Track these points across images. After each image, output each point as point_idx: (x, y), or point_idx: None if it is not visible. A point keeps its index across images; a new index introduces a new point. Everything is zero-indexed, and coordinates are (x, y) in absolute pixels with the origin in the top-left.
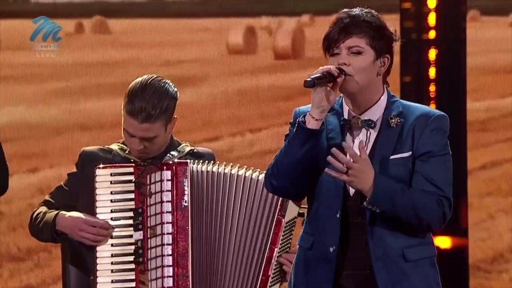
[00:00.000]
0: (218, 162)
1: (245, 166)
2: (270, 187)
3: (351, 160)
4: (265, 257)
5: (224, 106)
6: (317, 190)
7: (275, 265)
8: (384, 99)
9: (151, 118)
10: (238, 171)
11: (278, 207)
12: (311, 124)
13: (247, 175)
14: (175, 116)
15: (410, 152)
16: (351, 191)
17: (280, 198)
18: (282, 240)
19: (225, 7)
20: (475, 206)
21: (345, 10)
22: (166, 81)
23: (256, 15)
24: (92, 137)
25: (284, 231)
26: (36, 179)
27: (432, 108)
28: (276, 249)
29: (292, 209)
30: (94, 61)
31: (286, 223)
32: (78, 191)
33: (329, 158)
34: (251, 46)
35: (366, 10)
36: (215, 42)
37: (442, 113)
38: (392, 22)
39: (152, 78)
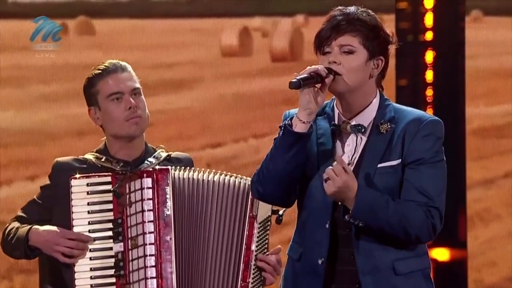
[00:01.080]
0: (197, 168)
1: (224, 172)
2: (256, 193)
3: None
4: (242, 262)
5: (222, 111)
6: (306, 198)
7: (254, 269)
8: (376, 102)
9: (127, 68)
10: (219, 177)
11: (248, 206)
12: (298, 127)
13: (225, 181)
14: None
15: (399, 160)
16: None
17: (250, 198)
18: (258, 241)
19: (212, 7)
20: (503, 215)
21: (339, 7)
22: None
23: (245, 15)
24: (88, 142)
25: (258, 232)
26: (36, 187)
27: (428, 113)
28: (252, 253)
29: (264, 208)
30: (81, 63)
31: (260, 223)
32: (52, 204)
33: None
34: (246, 48)
35: (362, 9)
36: (207, 44)
37: (436, 118)
38: (388, 23)
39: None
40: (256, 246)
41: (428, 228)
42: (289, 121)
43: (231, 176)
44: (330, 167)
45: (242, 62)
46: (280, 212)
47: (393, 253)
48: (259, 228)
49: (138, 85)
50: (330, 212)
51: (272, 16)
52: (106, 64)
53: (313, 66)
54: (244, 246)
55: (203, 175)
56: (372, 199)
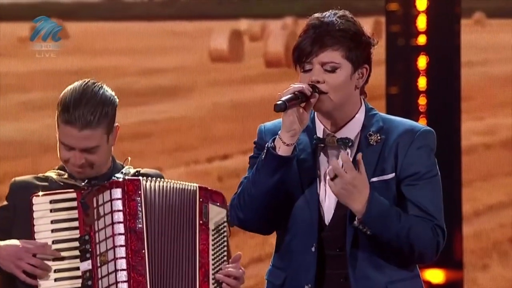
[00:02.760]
0: (169, 180)
1: (180, 181)
2: (236, 220)
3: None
4: (198, 274)
5: (220, 120)
6: (289, 220)
7: (214, 283)
8: (361, 113)
9: (91, 124)
10: (178, 186)
11: (197, 212)
12: (282, 150)
13: (178, 189)
14: (117, 124)
15: (393, 174)
16: (327, 219)
17: (197, 202)
18: (214, 250)
19: (191, 9)
20: None
21: (316, 15)
22: (102, 85)
23: (228, 17)
24: None
25: (213, 239)
26: None
27: (419, 123)
28: (210, 266)
29: (216, 213)
30: (59, 69)
31: (213, 230)
32: (10, 226)
33: (332, 159)
34: (236, 53)
35: (340, 13)
36: (193, 48)
37: (428, 128)
38: (378, 26)
39: (86, 82)
40: (213, 256)
41: (433, 246)
42: (272, 144)
43: (180, 184)
44: (339, 161)
45: (234, 68)
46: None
47: (388, 274)
48: (213, 235)
49: (96, 143)
50: (316, 233)
51: (258, 19)
52: (70, 110)
53: (296, 85)
54: (197, 256)
55: (172, 185)
56: (385, 207)
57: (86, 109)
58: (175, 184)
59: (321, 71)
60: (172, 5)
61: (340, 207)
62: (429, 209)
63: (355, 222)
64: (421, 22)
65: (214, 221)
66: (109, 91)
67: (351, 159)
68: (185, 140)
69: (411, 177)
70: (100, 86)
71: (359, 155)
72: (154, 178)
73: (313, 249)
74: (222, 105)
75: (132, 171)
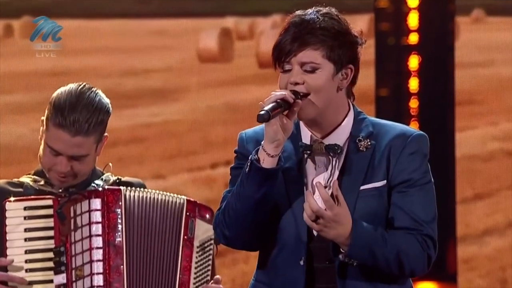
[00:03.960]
0: (151, 190)
1: (166, 193)
2: (223, 238)
3: (323, 207)
4: None
5: (218, 123)
6: (276, 233)
7: None
8: (350, 118)
9: (85, 131)
10: (162, 197)
11: (182, 227)
12: (267, 162)
13: (163, 200)
14: (106, 134)
15: (385, 181)
16: (315, 231)
17: (184, 216)
18: (197, 269)
19: (171, 6)
20: None
21: (298, 12)
22: (98, 91)
23: (212, 15)
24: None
25: (197, 257)
26: None
27: (411, 127)
28: (190, 284)
29: (203, 229)
30: (39, 70)
31: (198, 246)
32: None
33: (306, 194)
34: (226, 52)
35: (324, 11)
36: (181, 47)
37: (421, 132)
38: (366, 24)
39: (82, 87)
40: (195, 274)
41: (424, 260)
42: (256, 156)
43: (166, 195)
44: (316, 196)
45: (224, 68)
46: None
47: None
48: (197, 252)
49: (86, 151)
50: (305, 246)
51: (245, 16)
52: (64, 113)
53: (278, 92)
54: (178, 274)
55: (155, 196)
56: (368, 235)
57: (82, 115)
58: (159, 196)
59: (300, 72)
60: (156, 2)
61: None
62: (420, 217)
63: (341, 256)
64: (413, 20)
65: (200, 238)
66: (105, 99)
67: (339, 168)
68: (185, 145)
69: (402, 184)
70: (96, 92)
71: (335, 182)
72: (137, 188)
73: (301, 262)
74: (217, 107)
75: (112, 178)
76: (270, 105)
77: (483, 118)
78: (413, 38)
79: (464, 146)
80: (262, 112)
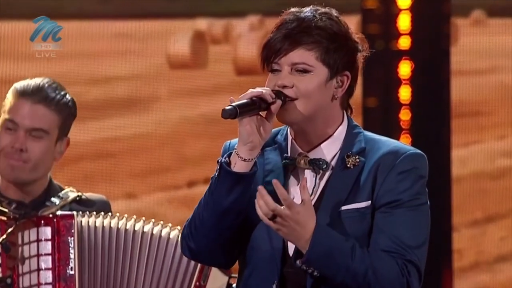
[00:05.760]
0: (117, 214)
1: (153, 220)
2: (188, 252)
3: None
4: None
5: (193, 136)
6: (249, 250)
7: None
8: (342, 131)
9: (48, 101)
10: (143, 226)
11: (196, 274)
12: (238, 166)
13: (154, 231)
14: (68, 136)
15: (369, 202)
16: (291, 251)
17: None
18: None
19: (144, 7)
20: None
21: (293, 9)
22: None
23: (183, 16)
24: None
25: None
26: None
27: (408, 145)
28: None
29: (217, 278)
30: None
31: None
32: None
33: (259, 190)
34: (200, 58)
35: (322, 10)
36: (150, 52)
37: (417, 151)
38: (352, 26)
39: (49, 79)
40: None
41: (401, 287)
42: (226, 159)
43: (172, 229)
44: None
45: (198, 75)
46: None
47: None
48: None
49: (46, 126)
50: (279, 268)
51: (219, 17)
52: (33, 86)
53: (256, 89)
54: None
55: (124, 222)
56: (332, 242)
57: (49, 89)
58: (120, 221)
59: (289, 73)
60: (120, 1)
61: None
62: (403, 241)
63: (298, 262)
64: (404, 22)
65: (212, 286)
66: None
67: (322, 184)
68: (157, 161)
69: (388, 204)
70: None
71: (303, 181)
72: (91, 213)
73: (274, 285)
74: (190, 119)
75: (73, 195)
76: (241, 101)
77: (489, 131)
78: (404, 42)
79: (471, 162)
80: (228, 107)
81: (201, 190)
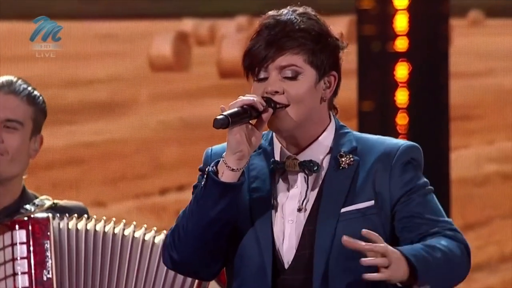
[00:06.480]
0: (94, 217)
1: (134, 222)
2: (170, 262)
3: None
4: None
5: (170, 141)
6: (237, 261)
7: None
8: (330, 131)
9: (20, 92)
10: (123, 229)
11: (195, 286)
12: (226, 175)
13: (136, 235)
14: (42, 134)
15: (371, 202)
16: (287, 260)
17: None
18: None
19: (127, 7)
20: None
21: (271, 13)
22: None
23: (168, 16)
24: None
25: None
26: None
27: (399, 139)
28: None
29: None
30: None
31: None
32: None
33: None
34: (183, 60)
35: (300, 10)
36: (131, 54)
37: (410, 143)
38: (346, 26)
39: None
40: None
41: (468, 258)
42: (214, 167)
43: (158, 233)
44: (379, 246)
45: (180, 78)
46: None
47: None
48: None
49: (19, 116)
50: (270, 280)
51: (205, 18)
52: (2, 79)
53: (246, 97)
54: None
55: (103, 226)
56: (420, 254)
57: (19, 82)
58: (98, 224)
59: (278, 79)
60: (102, 2)
61: (304, 246)
62: (431, 217)
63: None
64: (401, 22)
65: None
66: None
67: (316, 187)
68: (130, 168)
69: (403, 196)
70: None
71: (365, 231)
72: (70, 215)
73: None
74: (170, 124)
75: (48, 203)
76: (232, 110)
77: (478, 135)
78: (401, 44)
79: (455, 168)
80: (219, 117)
81: (174, 198)
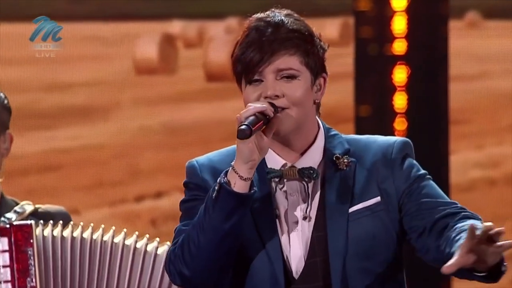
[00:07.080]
0: (81, 223)
1: (125, 230)
2: (178, 278)
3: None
4: None
5: (150, 148)
6: (244, 275)
7: None
8: (321, 136)
9: None
10: (112, 237)
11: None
12: (238, 186)
13: (127, 243)
14: (10, 131)
15: (378, 198)
16: (297, 270)
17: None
18: None
19: (112, 8)
20: None
21: (258, 16)
22: None
23: (157, 17)
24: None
25: None
26: None
27: (390, 136)
28: None
29: None
30: None
31: None
32: None
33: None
34: (169, 63)
35: (286, 11)
36: (114, 56)
37: (403, 138)
38: (340, 28)
39: None
40: None
41: None
42: (225, 178)
43: (150, 242)
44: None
45: (165, 82)
46: None
47: None
48: None
49: None
50: None
51: (194, 19)
52: None
53: (258, 105)
54: None
55: (90, 233)
56: None
57: None
58: (81, 231)
59: (275, 82)
60: (88, 2)
61: (314, 254)
62: (445, 199)
63: (503, 267)
64: (399, 25)
65: None
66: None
67: (317, 193)
68: (107, 174)
69: (408, 188)
70: None
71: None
72: (54, 222)
73: None
74: (151, 129)
75: (29, 208)
76: (251, 119)
77: (466, 140)
78: (400, 46)
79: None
80: (243, 127)
81: (150, 205)
